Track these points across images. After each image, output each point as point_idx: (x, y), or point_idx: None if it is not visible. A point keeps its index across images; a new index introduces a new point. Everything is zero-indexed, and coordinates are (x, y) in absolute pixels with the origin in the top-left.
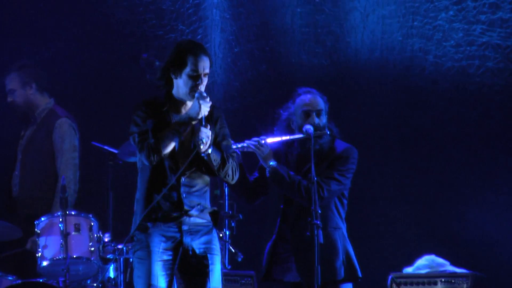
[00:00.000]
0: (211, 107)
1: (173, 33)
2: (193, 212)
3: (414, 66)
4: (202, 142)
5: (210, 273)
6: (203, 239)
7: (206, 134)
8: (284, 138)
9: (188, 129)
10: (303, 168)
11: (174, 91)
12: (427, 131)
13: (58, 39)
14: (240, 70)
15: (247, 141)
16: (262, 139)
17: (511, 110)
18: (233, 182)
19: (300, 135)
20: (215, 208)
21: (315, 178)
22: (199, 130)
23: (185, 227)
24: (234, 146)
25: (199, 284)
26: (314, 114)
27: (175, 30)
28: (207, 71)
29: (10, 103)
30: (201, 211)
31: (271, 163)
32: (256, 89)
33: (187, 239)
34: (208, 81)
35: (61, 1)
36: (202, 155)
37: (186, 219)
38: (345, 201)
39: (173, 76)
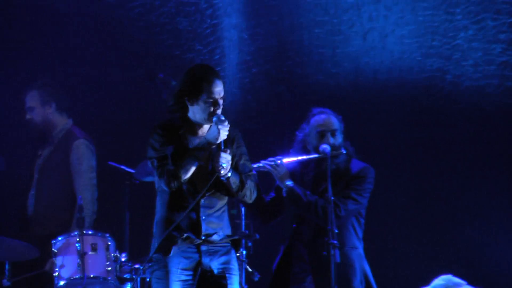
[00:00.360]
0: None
1: (191, 53)
2: (214, 238)
3: (432, 86)
4: (222, 167)
5: None
6: (222, 259)
7: (226, 159)
8: (300, 158)
9: (207, 154)
10: (320, 188)
11: (190, 115)
12: (446, 151)
13: (74, 59)
14: (257, 90)
15: (263, 161)
16: (278, 159)
17: None
18: (251, 201)
19: (316, 155)
20: (237, 237)
21: (332, 198)
22: (218, 155)
23: (203, 248)
24: None
25: None
26: (329, 134)
27: (192, 50)
28: (222, 94)
29: (28, 121)
30: (221, 239)
31: (287, 183)
32: (273, 110)
33: (205, 260)
34: (225, 101)
35: (78, 22)
36: (222, 178)
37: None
38: (362, 221)
39: (188, 103)
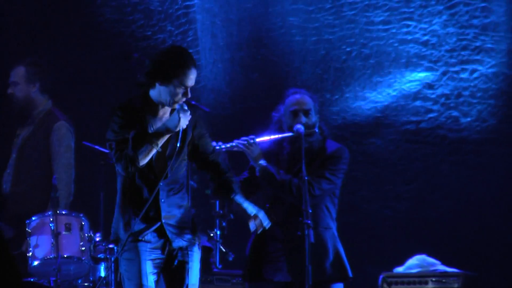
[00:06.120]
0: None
1: (162, 33)
2: (175, 219)
3: (409, 71)
4: None
5: (189, 269)
6: (186, 237)
7: None
8: (273, 137)
9: (164, 140)
10: (294, 168)
11: (153, 94)
12: (422, 134)
13: (46, 39)
14: (231, 77)
15: (236, 141)
16: (251, 139)
17: (505, 114)
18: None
19: (289, 134)
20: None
21: (306, 177)
22: None
23: (168, 227)
24: (223, 146)
25: (178, 280)
26: (301, 113)
27: (163, 31)
28: (193, 83)
29: (9, 95)
30: (183, 219)
31: (261, 162)
32: (247, 96)
33: (172, 237)
34: (198, 84)
35: (50, 1)
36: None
37: (166, 224)
38: (336, 200)
39: (158, 83)
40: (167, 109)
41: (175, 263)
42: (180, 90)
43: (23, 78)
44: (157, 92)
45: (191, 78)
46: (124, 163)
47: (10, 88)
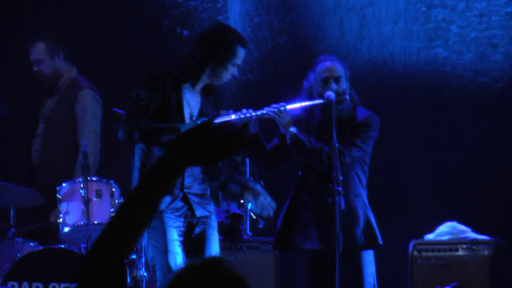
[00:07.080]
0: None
1: (193, 1)
2: (195, 188)
3: (438, 37)
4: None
5: (210, 237)
6: (207, 206)
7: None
8: (304, 104)
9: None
10: (325, 135)
11: (199, 69)
12: (452, 101)
13: (76, 7)
14: (260, 41)
15: (266, 108)
16: (281, 106)
17: None
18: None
19: (320, 101)
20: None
21: (337, 145)
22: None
23: (190, 196)
24: (253, 113)
25: (199, 249)
26: (332, 80)
27: None
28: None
29: (36, 73)
30: (203, 188)
31: (291, 129)
32: (276, 60)
33: (195, 205)
34: None
35: None
36: None
37: (189, 193)
38: (366, 168)
39: (212, 62)
40: (202, 85)
41: (195, 232)
42: (232, 69)
43: (47, 54)
44: (205, 69)
45: (242, 58)
46: (126, 131)
47: (35, 66)
